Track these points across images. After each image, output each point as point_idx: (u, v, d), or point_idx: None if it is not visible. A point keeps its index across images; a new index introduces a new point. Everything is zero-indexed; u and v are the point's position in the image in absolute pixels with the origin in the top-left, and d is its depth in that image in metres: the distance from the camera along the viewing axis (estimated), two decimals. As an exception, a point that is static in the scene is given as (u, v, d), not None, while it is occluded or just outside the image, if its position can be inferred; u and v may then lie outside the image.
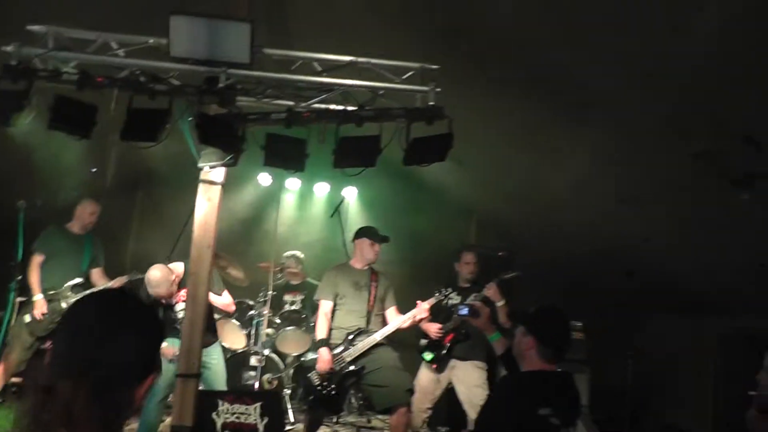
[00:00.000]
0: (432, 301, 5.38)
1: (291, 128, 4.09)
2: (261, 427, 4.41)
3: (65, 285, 5.47)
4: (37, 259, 5.49)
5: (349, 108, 4.07)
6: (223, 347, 6.34)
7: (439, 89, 4.02)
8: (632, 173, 4.75)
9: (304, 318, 6.48)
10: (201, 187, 4.22)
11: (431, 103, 3.98)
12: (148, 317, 1.52)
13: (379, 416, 6.24)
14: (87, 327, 1.37)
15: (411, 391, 5.11)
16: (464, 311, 3.77)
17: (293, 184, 7.54)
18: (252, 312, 6.43)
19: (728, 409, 5.20)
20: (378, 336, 5.13)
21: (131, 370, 1.39)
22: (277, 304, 6.64)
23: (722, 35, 3.03)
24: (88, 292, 5.36)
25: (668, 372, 6.06)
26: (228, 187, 7.23)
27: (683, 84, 3.53)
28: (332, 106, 4.14)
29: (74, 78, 3.91)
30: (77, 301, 1.48)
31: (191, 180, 4.33)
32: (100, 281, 5.64)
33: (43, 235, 5.58)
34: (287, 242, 7.36)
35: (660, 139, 4.10)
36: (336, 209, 6.72)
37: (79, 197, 5.84)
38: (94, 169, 6.83)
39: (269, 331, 6.40)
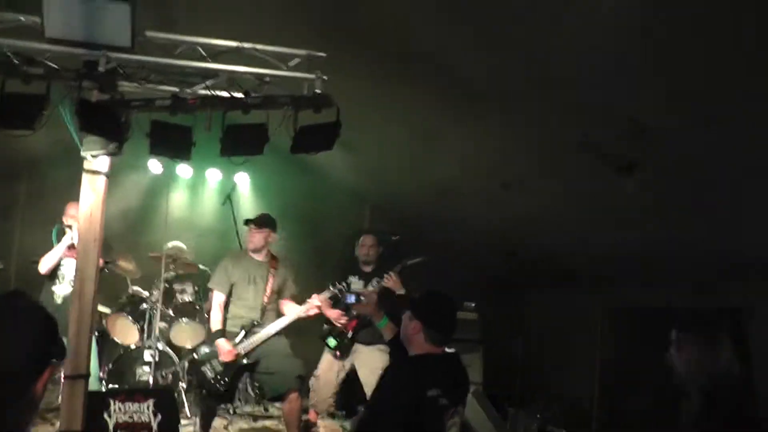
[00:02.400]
0: (326, 294, 5.42)
1: (176, 115, 3.99)
2: (155, 425, 4.32)
3: None
4: None
5: (236, 95, 4.02)
6: (115, 342, 6.20)
7: (325, 77, 4.03)
8: (516, 158, 4.94)
9: (198, 309, 6.37)
10: (85, 178, 4.04)
11: (318, 91, 4.00)
12: (35, 314, 1.51)
13: (276, 404, 6.23)
14: None
15: (301, 378, 5.13)
16: (351, 299, 3.84)
17: (184, 171, 7.34)
18: (144, 305, 6.24)
19: (612, 380, 5.57)
20: (272, 329, 5.13)
21: (26, 370, 1.40)
22: (168, 296, 6.48)
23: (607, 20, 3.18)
24: None
25: (557, 347, 6.40)
26: (117, 175, 7.01)
27: (567, 74, 3.69)
28: (219, 92, 4.07)
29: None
30: None
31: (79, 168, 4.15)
32: None
33: None
34: (179, 231, 7.17)
35: (544, 125, 4.28)
36: (227, 197, 6.62)
37: None
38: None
39: (162, 324, 6.24)
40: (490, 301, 6.66)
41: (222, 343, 5.05)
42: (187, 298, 6.69)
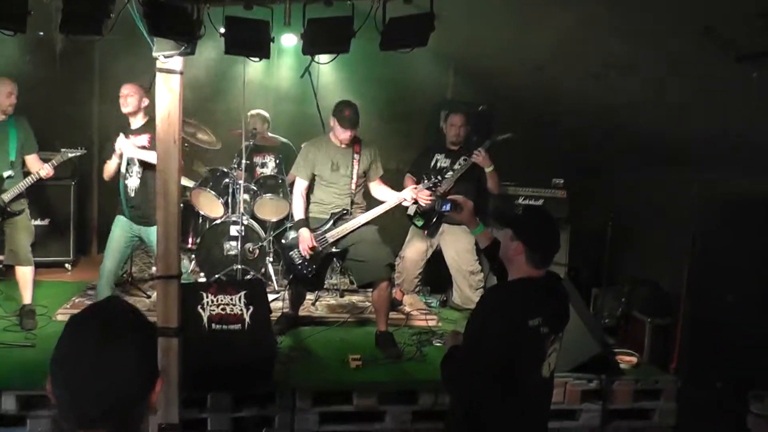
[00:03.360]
0: (421, 187, 5.23)
1: (252, 9, 3.65)
2: (247, 316, 4.42)
3: None
4: None
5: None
6: (200, 215, 6.32)
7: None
8: (625, 42, 4.40)
9: (281, 183, 6.33)
10: (159, 78, 3.83)
11: (409, -21, 3.54)
12: (142, 328, 1.45)
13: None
14: (87, 369, 1.30)
15: (391, 266, 5.13)
16: (446, 207, 3.65)
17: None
18: (227, 180, 6.24)
19: (703, 270, 5.31)
20: (362, 219, 5.05)
21: (142, 391, 1.37)
22: (248, 168, 6.42)
23: None
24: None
25: (649, 230, 6.11)
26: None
27: None
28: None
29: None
30: (63, 340, 1.36)
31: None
32: (36, 167, 5.17)
33: None
34: (256, 99, 6.99)
35: (659, 10, 3.74)
36: (306, 69, 6.29)
37: None
38: (41, 33, 6.24)
39: (246, 198, 6.26)
40: (581, 180, 6.34)
41: (304, 232, 5.03)
42: (268, 171, 6.65)
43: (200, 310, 4.36)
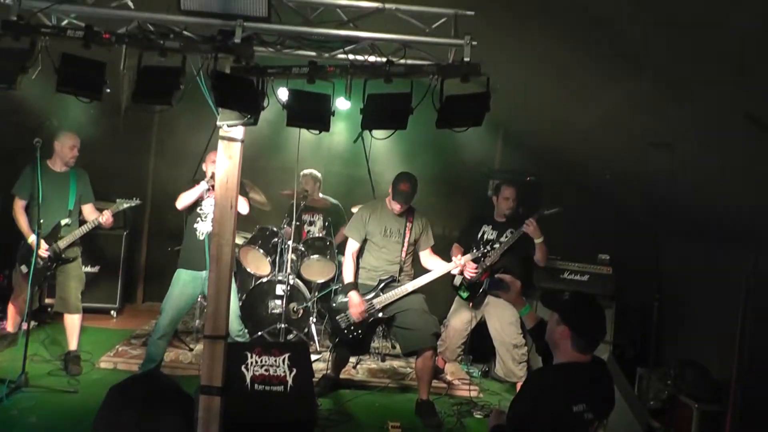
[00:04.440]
0: (469, 257, 5.30)
1: (314, 83, 3.80)
2: (290, 379, 4.45)
3: (52, 227, 5.26)
4: (19, 204, 5.27)
5: (377, 60, 3.75)
6: (248, 272, 6.43)
7: (475, 42, 3.66)
8: (667, 123, 4.44)
9: (328, 245, 6.42)
10: (221, 145, 3.99)
11: (467, 59, 3.65)
12: (182, 404, 1.50)
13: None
14: None
15: (437, 335, 5.14)
16: (494, 286, 3.66)
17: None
18: (276, 239, 6.36)
19: (756, 355, 5.16)
20: (409, 287, 5.10)
21: None
22: (297, 230, 6.55)
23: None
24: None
25: (696, 308, 5.97)
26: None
27: (733, 47, 3.17)
28: (358, 57, 3.82)
29: (79, 35, 3.60)
30: (105, 409, 1.41)
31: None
32: (92, 216, 5.39)
33: (22, 178, 5.27)
34: (307, 159, 7.16)
35: (703, 95, 3.77)
36: (360, 135, 6.46)
37: (56, 132, 5.47)
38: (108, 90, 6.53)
39: (293, 257, 6.36)
40: (626, 254, 6.27)
41: (354, 296, 5.08)
42: (317, 232, 6.76)
43: (244, 370, 4.41)
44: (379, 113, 3.75)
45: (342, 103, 7.20)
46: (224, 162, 4.01)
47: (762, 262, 5.23)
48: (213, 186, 5.05)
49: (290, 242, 6.16)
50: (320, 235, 6.65)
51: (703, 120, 4.15)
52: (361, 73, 3.76)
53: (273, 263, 6.32)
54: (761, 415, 4.86)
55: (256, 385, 4.39)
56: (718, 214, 5.31)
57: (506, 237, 5.62)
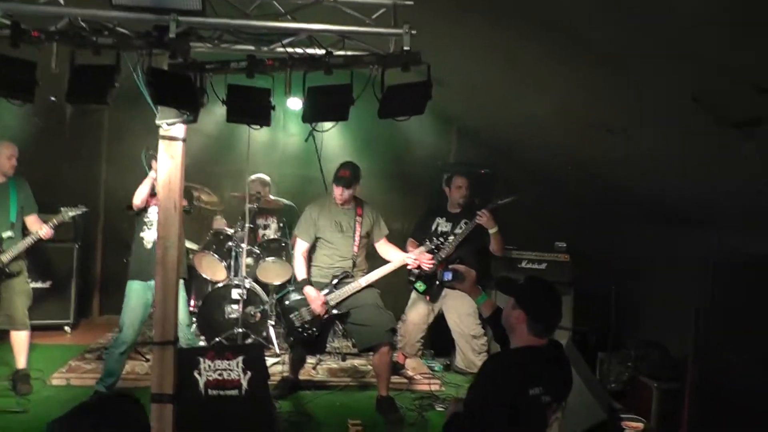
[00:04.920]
0: (423, 249, 5.26)
1: (254, 77, 3.73)
2: (244, 382, 4.35)
3: None
4: None
5: (316, 52, 3.70)
6: (203, 279, 6.31)
7: (414, 32, 3.63)
8: (619, 106, 4.46)
9: (284, 246, 6.33)
10: (161, 145, 3.89)
11: (406, 48, 3.62)
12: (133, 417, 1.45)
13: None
14: None
15: (393, 330, 5.10)
16: (448, 276, 3.64)
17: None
18: (230, 243, 6.26)
19: (712, 333, 5.22)
20: (363, 282, 5.04)
21: None
22: (252, 232, 6.46)
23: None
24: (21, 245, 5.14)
25: (654, 292, 6.04)
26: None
27: (683, 27, 3.19)
28: (297, 50, 3.76)
29: (5, 33, 3.48)
30: None
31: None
32: (35, 227, 5.19)
33: None
34: (260, 162, 7.08)
35: (653, 77, 3.79)
36: (310, 133, 6.38)
37: None
38: (53, 98, 6.36)
39: (249, 261, 6.27)
40: (584, 241, 6.32)
41: (310, 291, 5.01)
42: (272, 234, 6.68)
43: (197, 375, 4.29)
44: (320, 105, 3.71)
45: (294, 104, 7.18)
46: (166, 162, 3.91)
47: (724, 242, 5.32)
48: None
49: (244, 245, 6.07)
50: (275, 236, 6.56)
51: (655, 104, 4.18)
52: (301, 66, 3.71)
53: (228, 268, 6.22)
54: (718, 390, 4.92)
55: (209, 391, 4.27)
56: (674, 198, 5.39)
57: (460, 228, 5.62)
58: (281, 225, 6.70)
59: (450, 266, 4.03)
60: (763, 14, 2.76)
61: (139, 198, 5.09)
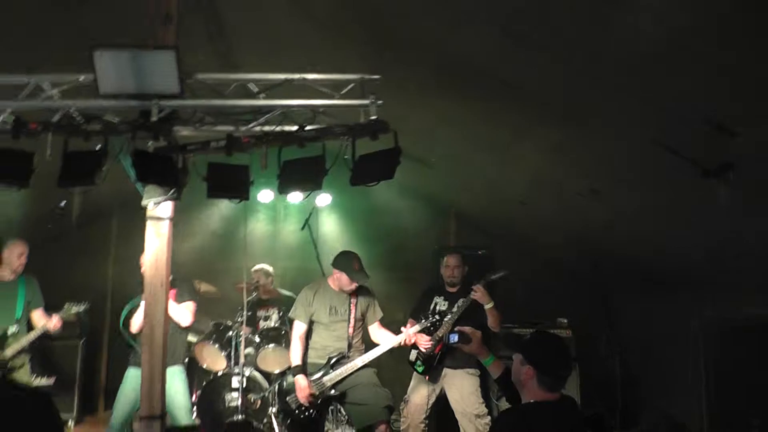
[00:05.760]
0: (418, 327, 5.29)
1: (232, 155, 3.95)
2: (234, 462, 4.31)
3: None
4: None
5: (290, 129, 3.93)
6: (203, 369, 6.31)
7: (380, 102, 3.86)
8: (590, 166, 4.59)
9: (283, 334, 6.36)
10: (149, 225, 4.09)
11: (373, 117, 3.83)
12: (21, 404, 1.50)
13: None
14: None
15: (390, 408, 5.03)
16: (454, 338, 3.66)
17: (265, 195, 7.39)
18: (230, 333, 6.31)
19: (722, 399, 5.09)
20: (359, 362, 5.06)
21: None
22: (252, 321, 6.54)
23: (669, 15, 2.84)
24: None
25: (658, 361, 5.93)
26: (199, 204, 7.17)
27: (633, 75, 3.35)
28: (273, 128, 3.99)
29: (8, 128, 3.77)
30: None
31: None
32: (40, 322, 5.34)
33: None
34: (261, 256, 7.24)
35: (617, 130, 3.93)
36: (306, 222, 6.57)
37: (2, 240, 5.48)
38: (63, 203, 6.66)
39: (249, 350, 6.29)
40: (582, 313, 6.27)
41: (300, 380, 5.02)
42: (272, 323, 6.72)
43: (187, 455, 4.26)
44: (295, 176, 3.87)
45: (293, 197, 7.43)
46: (153, 241, 4.09)
47: (710, 308, 5.27)
48: None
49: (243, 333, 6.12)
50: (275, 325, 6.60)
51: (620, 157, 4.27)
52: (275, 141, 3.92)
53: (228, 357, 6.23)
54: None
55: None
56: (659, 260, 5.39)
57: (457, 307, 5.61)
58: (281, 315, 6.75)
59: (456, 328, 4.03)
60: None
61: (136, 326, 5.14)
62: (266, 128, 4.00)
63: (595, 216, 5.20)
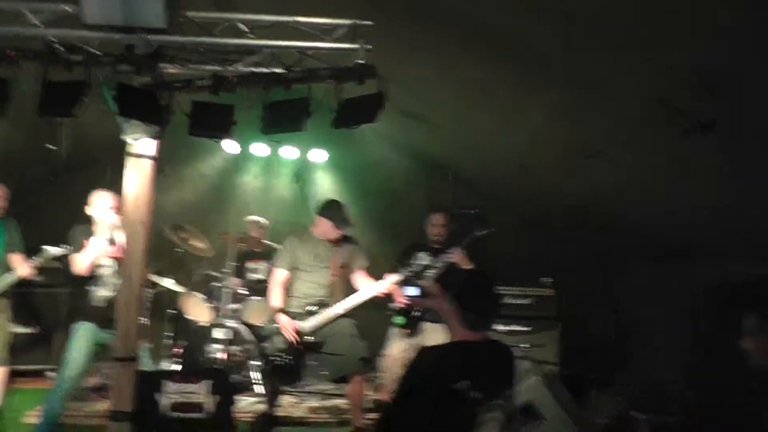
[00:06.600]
0: (397, 277, 5.18)
1: (218, 95, 3.88)
2: (209, 406, 4.28)
3: None
4: None
5: (276, 70, 3.85)
6: (190, 321, 6.30)
7: (369, 47, 3.78)
8: (591, 128, 4.50)
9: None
10: (129, 162, 4.02)
11: (360, 61, 3.75)
12: None
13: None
14: None
15: (366, 359, 4.97)
16: (414, 291, 3.58)
17: (259, 150, 7.31)
18: (217, 284, 6.29)
19: (703, 364, 5.09)
20: (339, 309, 4.97)
21: None
22: (240, 273, 6.50)
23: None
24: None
25: (646, 326, 5.92)
26: (194, 155, 7.09)
27: (628, 34, 3.27)
28: (259, 69, 3.92)
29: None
30: None
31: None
32: (19, 266, 5.10)
33: None
34: (254, 210, 7.18)
35: (615, 91, 3.85)
36: (297, 176, 6.50)
37: None
38: (53, 147, 6.56)
39: (235, 302, 6.26)
40: (576, 277, 6.23)
41: (282, 318, 4.95)
42: (261, 276, 6.67)
43: (159, 397, 4.22)
44: (278, 118, 3.80)
45: (287, 152, 7.37)
46: (133, 178, 4.01)
47: (700, 275, 5.24)
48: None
49: (231, 285, 6.09)
50: (263, 277, 6.55)
51: (625, 117, 4.18)
52: (261, 82, 3.85)
53: (215, 309, 6.22)
54: (712, 423, 4.74)
55: (172, 413, 4.20)
56: (656, 227, 5.34)
57: (440, 265, 5.55)
58: (270, 268, 6.70)
59: (416, 282, 3.95)
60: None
61: (81, 266, 4.62)
62: (254, 69, 3.92)
63: (596, 179, 5.13)
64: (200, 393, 4.32)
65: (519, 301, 6.04)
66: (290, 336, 4.91)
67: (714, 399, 4.72)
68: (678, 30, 3.09)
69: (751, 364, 2.82)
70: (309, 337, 4.98)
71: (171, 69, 3.97)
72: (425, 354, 2.76)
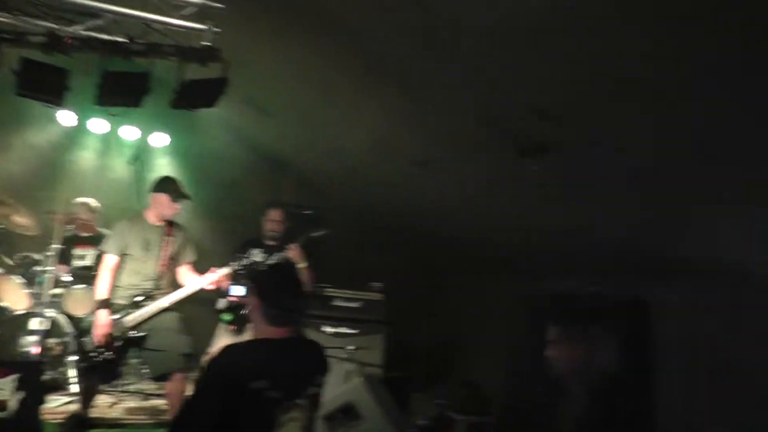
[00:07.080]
0: (226, 270, 5.06)
1: (51, 55, 3.63)
2: (12, 403, 3.94)
3: None
4: None
5: (118, 39, 3.69)
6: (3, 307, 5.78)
7: (218, 30, 3.73)
8: (424, 135, 4.69)
9: (96, 275, 5.94)
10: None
11: (206, 43, 3.69)
12: None
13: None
14: None
15: (189, 356, 4.79)
16: (236, 291, 3.51)
17: (99, 126, 6.89)
18: (38, 269, 5.82)
19: (515, 368, 5.42)
20: (164, 302, 4.77)
21: None
22: (65, 259, 6.07)
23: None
24: None
25: (468, 333, 6.23)
26: (23, 121, 6.55)
27: (472, 50, 3.45)
28: (100, 35, 3.73)
29: None
30: None
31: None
32: None
33: None
34: (86, 190, 6.73)
35: (451, 103, 4.04)
36: (136, 157, 6.19)
37: None
38: None
39: (57, 290, 5.83)
40: (405, 283, 6.43)
41: (101, 315, 4.66)
42: (88, 262, 6.24)
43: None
44: (115, 89, 3.65)
45: (127, 132, 7.01)
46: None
47: (521, 285, 5.60)
48: None
49: (53, 271, 5.66)
50: (89, 264, 6.15)
51: (458, 131, 4.39)
52: (100, 49, 3.68)
53: (33, 296, 5.74)
54: (519, 421, 5.07)
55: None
56: (480, 239, 5.64)
57: (272, 260, 5.52)
58: (99, 254, 6.31)
59: (240, 281, 3.84)
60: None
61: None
62: (93, 34, 3.73)
63: (424, 188, 5.34)
64: (4, 389, 3.98)
65: (348, 304, 6.10)
66: (99, 339, 4.62)
67: (522, 400, 5.06)
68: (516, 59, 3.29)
69: (553, 371, 3.00)
70: (132, 332, 4.73)
71: (1, 17, 3.67)
72: (225, 352, 2.63)
